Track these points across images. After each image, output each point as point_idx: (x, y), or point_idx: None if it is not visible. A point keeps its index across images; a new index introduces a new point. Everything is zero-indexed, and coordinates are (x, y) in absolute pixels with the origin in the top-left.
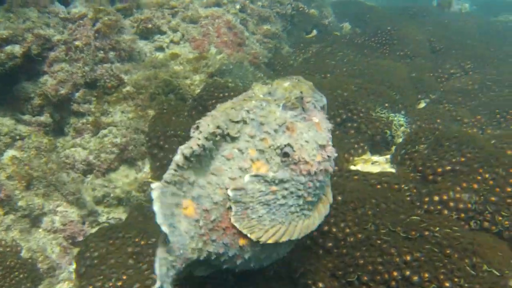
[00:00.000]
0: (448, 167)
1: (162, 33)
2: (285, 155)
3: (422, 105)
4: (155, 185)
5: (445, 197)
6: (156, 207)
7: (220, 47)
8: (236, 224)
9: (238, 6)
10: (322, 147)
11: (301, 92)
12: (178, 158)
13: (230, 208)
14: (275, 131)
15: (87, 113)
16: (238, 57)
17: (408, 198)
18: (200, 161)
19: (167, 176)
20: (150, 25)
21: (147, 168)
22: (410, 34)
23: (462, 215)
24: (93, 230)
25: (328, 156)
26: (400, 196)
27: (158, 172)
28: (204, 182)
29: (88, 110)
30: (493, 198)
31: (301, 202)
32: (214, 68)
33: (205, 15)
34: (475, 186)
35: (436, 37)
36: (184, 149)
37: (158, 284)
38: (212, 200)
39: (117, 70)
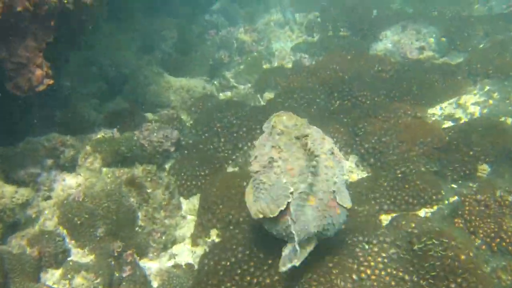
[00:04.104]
0: None
1: None
2: (332, 153)
3: None
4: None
5: None
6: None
7: None
8: (340, 202)
9: None
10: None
11: (298, 119)
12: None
13: (331, 192)
14: (320, 142)
15: None
16: None
17: None
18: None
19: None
20: None
21: None
22: None
23: None
24: None
25: None
26: None
27: None
28: (314, 181)
29: None
30: None
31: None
32: None
33: None
34: None
35: None
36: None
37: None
38: (322, 192)
39: None
